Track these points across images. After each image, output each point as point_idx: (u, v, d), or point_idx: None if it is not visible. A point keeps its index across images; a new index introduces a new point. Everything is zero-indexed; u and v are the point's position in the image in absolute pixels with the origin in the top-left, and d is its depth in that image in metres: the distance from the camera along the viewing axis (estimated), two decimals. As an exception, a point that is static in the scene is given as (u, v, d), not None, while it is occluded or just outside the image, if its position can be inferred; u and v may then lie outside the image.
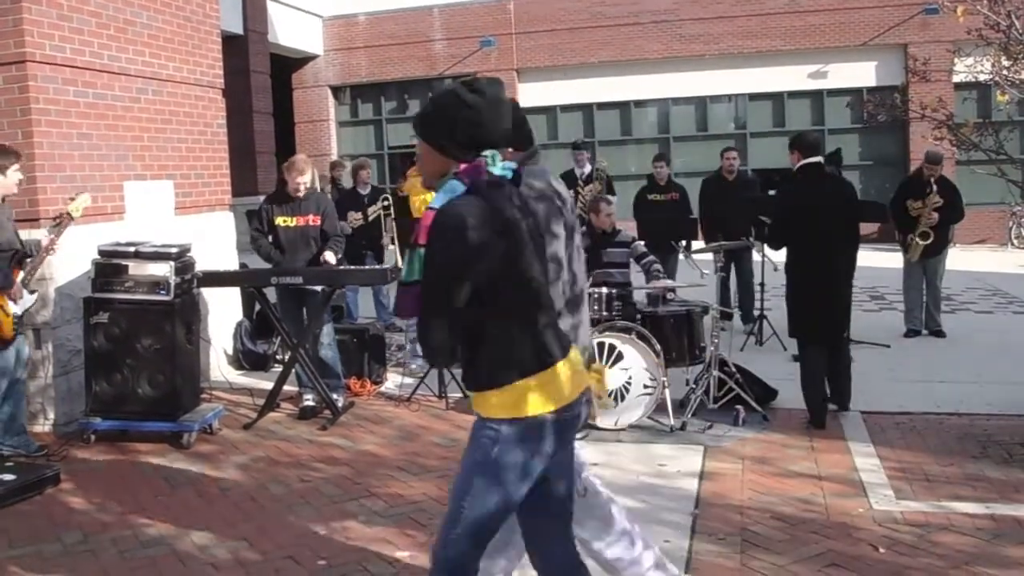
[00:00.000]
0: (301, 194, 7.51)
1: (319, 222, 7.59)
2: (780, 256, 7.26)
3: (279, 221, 7.56)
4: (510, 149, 3.54)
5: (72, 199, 6.61)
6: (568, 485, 3.22)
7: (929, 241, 9.69)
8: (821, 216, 6.89)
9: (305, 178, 7.51)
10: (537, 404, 2.93)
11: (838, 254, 6.98)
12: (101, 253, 6.90)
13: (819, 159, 7.16)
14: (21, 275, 6.26)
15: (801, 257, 7.00)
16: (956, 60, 7.93)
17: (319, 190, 8.15)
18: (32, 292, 6.40)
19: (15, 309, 6.17)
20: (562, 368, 3.02)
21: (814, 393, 7.00)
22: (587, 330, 4.11)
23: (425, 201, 8.38)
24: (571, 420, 3.05)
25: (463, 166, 2.95)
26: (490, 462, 2.94)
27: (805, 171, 7.08)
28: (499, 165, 3.01)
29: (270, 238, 7.61)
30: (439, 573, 3.04)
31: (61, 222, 6.46)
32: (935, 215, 9.62)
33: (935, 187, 9.61)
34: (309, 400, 7.59)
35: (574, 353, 3.14)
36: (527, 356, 2.96)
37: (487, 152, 2.98)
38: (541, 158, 4.03)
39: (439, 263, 2.86)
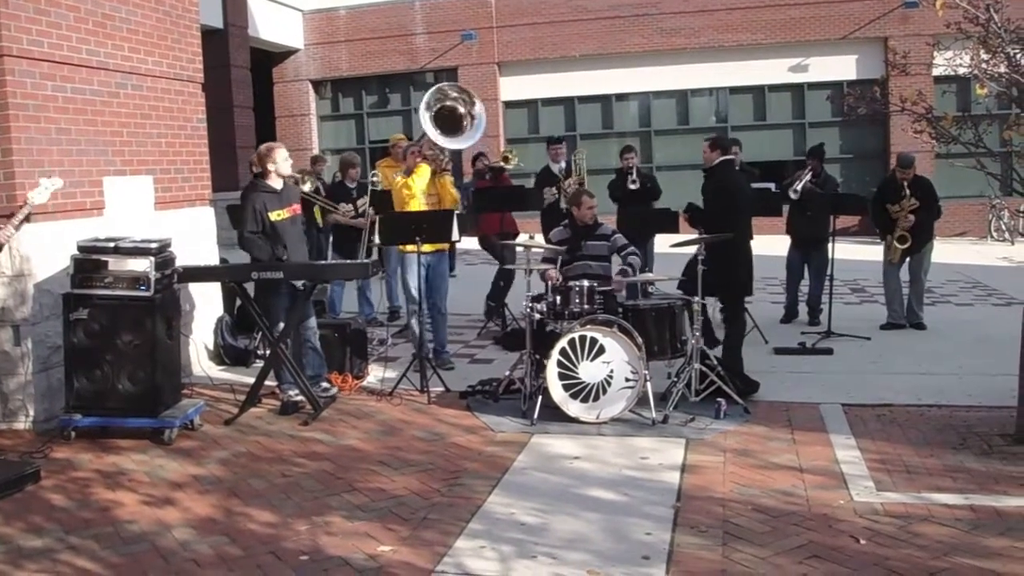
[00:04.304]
0: (281, 185, 7.47)
1: (299, 211, 7.58)
2: None
3: (274, 216, 7.38)
4: None
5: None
6: None
7: (907, 245, 9.80)
8: (744, 199, 8.08)
9: (287, 171, 7.48)
10: None
11: (750, 228, 8.24)
12: (80, 249, 6.85)
13: (732, 157, 8.34)
14: None
15: (739, 232, 7.78)
16: (935, 53, 7.93)
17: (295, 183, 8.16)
18: None
19: None
20: None
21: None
22: None
23: (407, 186, 8.46)
24: None
25: None
26: None
27: (724, 165, 8.02)
28: None
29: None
30: None
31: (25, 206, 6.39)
32: (911, 217, 9.73)
33: (907, 191, 9.72)
34: (292, 395, 7.58)
35: None
36: None
37: None
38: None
39: None
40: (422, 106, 8.54)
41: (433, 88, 8.72)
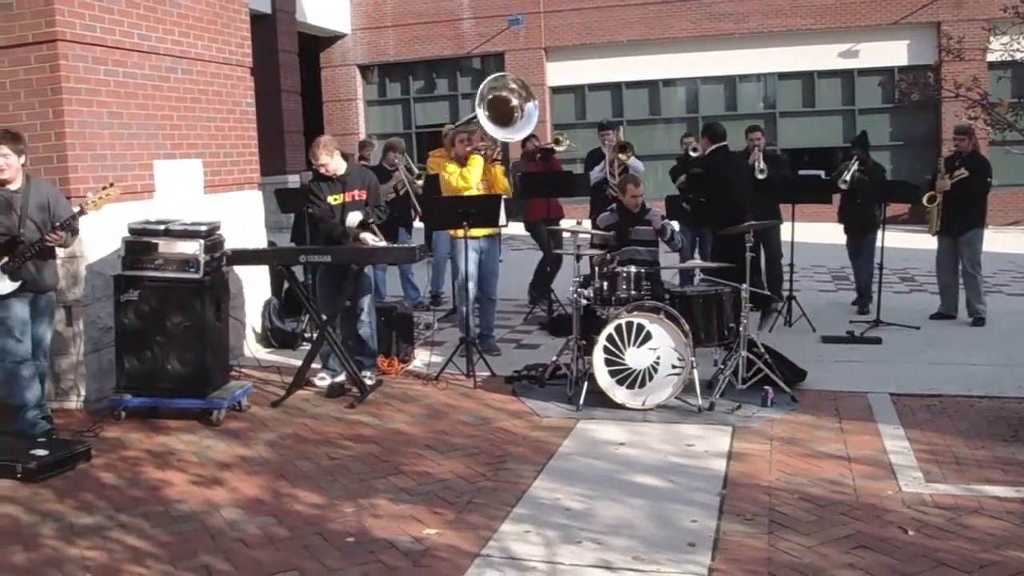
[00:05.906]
0: (341, 172, 7.55)
1: (365, 196, 7.63)
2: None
3: (330, 199, 7.57)
4: None
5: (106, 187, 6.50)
6: None
7: (936, 204, 9.56)
8: (744, 185, 8.95)
9: (323, 160, 7.48)
10: None
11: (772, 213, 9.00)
12: (131, 231, 6.93)
13: (725, 143, 9.37)
14: (4, 260, 6.12)
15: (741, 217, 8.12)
16: (991, 38, 7.80)
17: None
18: (15, 281, 6.16)
19: None
20: None
21: None
22: None
23: (457, 175, 8.46)
24: None
25: None
26: None
27: (717, 153, 9.04)
28: None
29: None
30: None
31: (77, 215, 6.36)
32: (947, 182, 9.47)
33: (956, 152, 9.64)
34: (337, 378, 7.63)
35: None
36: None
37: None
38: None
39: None
40: (479, 96, 8.55)
41: (492, 76, 8.76)
